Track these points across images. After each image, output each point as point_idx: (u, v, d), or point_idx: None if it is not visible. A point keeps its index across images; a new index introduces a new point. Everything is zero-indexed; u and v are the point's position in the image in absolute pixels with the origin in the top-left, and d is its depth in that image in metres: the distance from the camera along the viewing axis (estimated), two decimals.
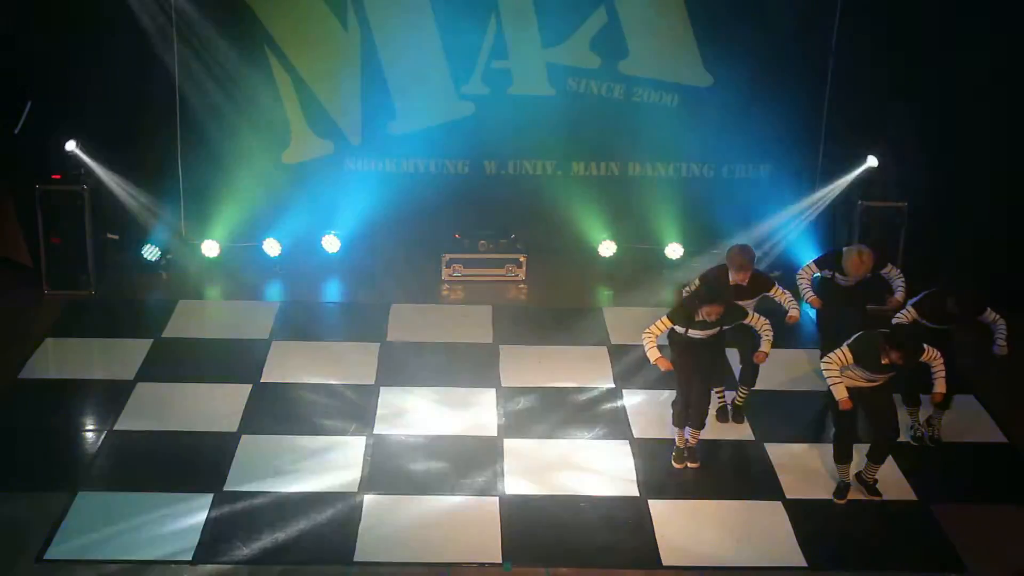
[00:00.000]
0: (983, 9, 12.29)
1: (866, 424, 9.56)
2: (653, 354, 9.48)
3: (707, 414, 9.74)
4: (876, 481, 9.49)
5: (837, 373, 9.07)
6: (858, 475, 9.55)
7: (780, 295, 10.14)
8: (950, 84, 12.51)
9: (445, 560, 8.66)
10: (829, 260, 10.48)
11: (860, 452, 9.51)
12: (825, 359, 9.18)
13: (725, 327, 9.61)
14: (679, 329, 9.52)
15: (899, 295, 10.37)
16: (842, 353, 9.08)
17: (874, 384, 9.21)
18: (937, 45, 12.37)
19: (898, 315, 9.89)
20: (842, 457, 9.41)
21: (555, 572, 8.57)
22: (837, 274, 10.36)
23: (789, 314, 10.12)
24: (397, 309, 12.31)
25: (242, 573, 8.52)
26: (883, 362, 8.99)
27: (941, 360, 9.27)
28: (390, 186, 13.17)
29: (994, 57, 12.44)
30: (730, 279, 9.95)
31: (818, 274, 10.57)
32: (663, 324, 9.52)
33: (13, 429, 10.10)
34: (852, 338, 9.19)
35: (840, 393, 9.05)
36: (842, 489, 9.46)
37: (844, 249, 10.37)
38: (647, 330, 9.52)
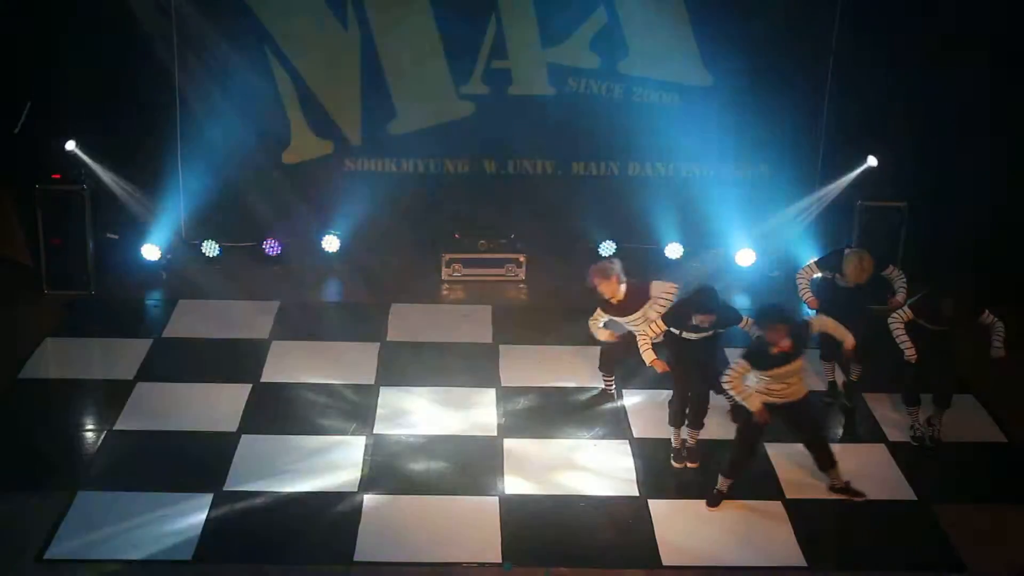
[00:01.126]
0: (983, 9, 12.30)
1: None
2: (649, 356, 9.48)
3: (706, 414, 9.74)
4: (848, 482, 9.44)
5: (742, 385, 8.96)
6: (831, 487, 9.50)
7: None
8: (950, 84, 12.51)
9: (445, 560, 8.66)
10: (830, 261, 10.46)
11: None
12: (725, 376, 9.03)
13: (720, 330, 9.62)
14: (674, 331, 9.53)
15: (900, 296, 10.37)
16: (739, 366, 8.97)
17: (786, 388, 9.05)
18: (937, 45, 12.37)
19: (894, 315, 9.89)
20: (736, 472, 9.27)
21: (555, 572, 8.58)
22: (838, 275, 10.35)
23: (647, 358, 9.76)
24: (397, 309, 12.31)
25: (242, 573, 8.52)
26: (773, 352, 8.87)
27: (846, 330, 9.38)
28: (390, 186, 13.18)
29: (993, 57, 12.45)
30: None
31: (818, 275, 10.56)
32: (657, 327, 9.53)
33: (13, 429, 10.11)
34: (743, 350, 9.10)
35: (754, 404, 8.91)
36: (715, 497, 9.32)
37: (845, 252, 10.36)
38: (642, 332, 9.53)
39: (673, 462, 9.82)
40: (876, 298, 10.55)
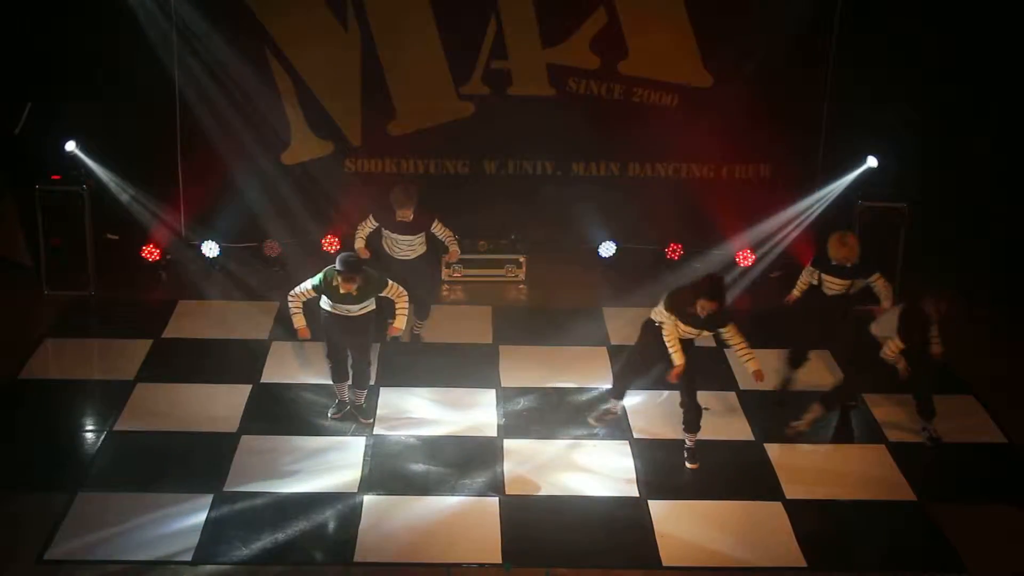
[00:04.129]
0: (983, 9, 12.30)
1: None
2: (679, 358, 9.44)
3: (699, 416, 9.75)
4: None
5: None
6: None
7: (443, 231, 11.20)
8: (950, 84, 12.52)
9: (445, 560, 8.66)
10: (819, 258, 10.42)
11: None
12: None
13: (708, 331, 9.60)
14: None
15: (885, 303, 10.31)
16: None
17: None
18: (936, 45, 12.38)
19: (886, 350, 9.80)
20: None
21: (555, 572, 8.58)
22: (824, 276, 10.28)
23: (450, 250, 11.39)
24: None
25: (242, 573, 8.52)
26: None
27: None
28: (390, 186, 13.13)
29: (994, 57, 12.46)
30: (396, 217, 10.93)
31: (815, 281, 10.47)
32: (668, 318, 9.52)
33: (13, 429, 10.11)
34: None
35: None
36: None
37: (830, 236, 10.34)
38: (668, 332, 9.49)
39: (688, 464, 9.86)
40: (862, 301, 10.53)
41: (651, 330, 9.72)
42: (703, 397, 10.71)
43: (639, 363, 10.02)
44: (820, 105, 12.90)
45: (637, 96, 13.03)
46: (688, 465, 9.80)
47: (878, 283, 10.40)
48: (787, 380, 10.75)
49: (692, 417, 9.74)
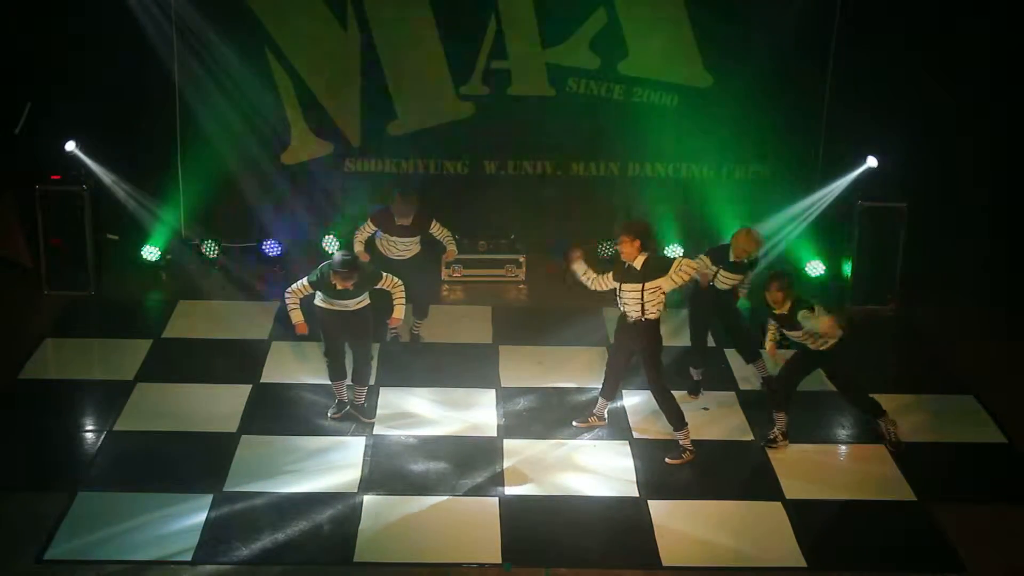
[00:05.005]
0: (982, 9, 12.30)
1: None
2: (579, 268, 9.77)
3: (679, 412, 9.78)
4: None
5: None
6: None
7: (440, 231, 11.28)
8: (950, 84, 12.51)
9: (445, 560, 8.65)
10: (720, 255, 10.42)
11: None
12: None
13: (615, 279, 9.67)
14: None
15: (743, 292, 10.71)
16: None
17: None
18: (936, 45, 12.38)
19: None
20: None
21: (555, 572, 8.57)
22: (721, 273, 10.34)
23: (448, 250, 11.46)
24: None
25: (242, 573, 8.51)
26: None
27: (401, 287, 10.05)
28: (390, 187, 13.16)
29: (993, 57, 12.46)
30: (395, 221, 11.04)
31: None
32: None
33: (13, 429, 10.10)
34: None
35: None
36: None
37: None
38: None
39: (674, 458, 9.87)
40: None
41: (622, 324, 9.77)
42: (705, 397, 10.76)
43: (616, 359, 10.06)
44: (820, 105, 12.91)
45: (637, 96, 13.03)
46: (667, 459, 9.78)
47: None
48: (698, 382, 10.83)
49: (671, 414, 9.76)
